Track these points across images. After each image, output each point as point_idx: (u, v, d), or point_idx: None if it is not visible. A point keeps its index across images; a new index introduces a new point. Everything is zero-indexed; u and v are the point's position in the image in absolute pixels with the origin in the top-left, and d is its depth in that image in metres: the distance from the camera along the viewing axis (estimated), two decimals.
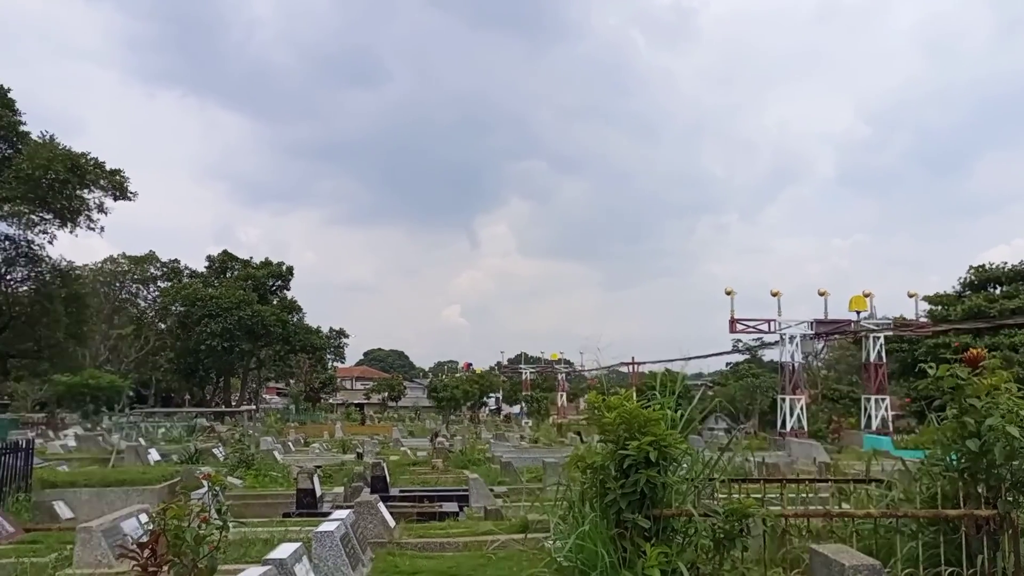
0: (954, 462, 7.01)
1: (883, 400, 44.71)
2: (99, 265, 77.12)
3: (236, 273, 77.63)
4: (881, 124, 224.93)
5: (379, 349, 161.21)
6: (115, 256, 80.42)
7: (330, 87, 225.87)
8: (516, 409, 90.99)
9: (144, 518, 10.99)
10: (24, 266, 51.47)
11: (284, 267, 79.04)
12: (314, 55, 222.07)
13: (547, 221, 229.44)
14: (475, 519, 14.53)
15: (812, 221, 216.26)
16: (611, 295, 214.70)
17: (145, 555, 6.81)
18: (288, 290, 79.81)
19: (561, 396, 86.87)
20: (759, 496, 7.54)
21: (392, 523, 12.38)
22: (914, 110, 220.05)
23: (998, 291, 54.51)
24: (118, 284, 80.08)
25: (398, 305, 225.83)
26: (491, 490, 17.85)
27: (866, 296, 45.80)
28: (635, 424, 6.53)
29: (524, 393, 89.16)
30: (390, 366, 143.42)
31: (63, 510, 15.67)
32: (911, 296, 47.67)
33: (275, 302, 76.11)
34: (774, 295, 46.60)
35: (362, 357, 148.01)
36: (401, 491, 19.18)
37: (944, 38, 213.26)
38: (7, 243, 50.41)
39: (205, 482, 8.96)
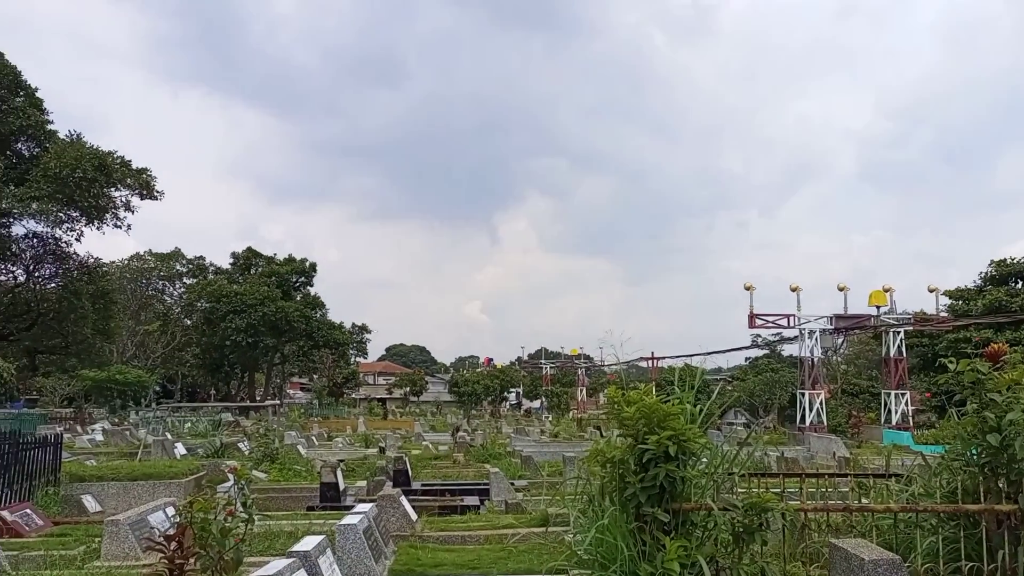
0: (975, 457, 6.94)
1: (903, 395, 44.35)
2: (126, 262, 77.78)
3: (260, 270, 78.00)
4: (902, 119, 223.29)
5: (401, 344, 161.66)
6: (141, 253, 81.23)
7: (352, 85, 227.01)
8: (536, 404, 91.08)
9: (171, 511, 11.08)
10: (52, 263, 52.02)
11: (307, 264, 79.35)
12: (336, 53, 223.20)
13: (567, 218, 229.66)
14: (496, 513, 14.55)
15: (832, 217, 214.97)
16: (631, 291, 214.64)
17: (172, 547, 6.86)
18: (311, 286, 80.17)
19: (581, 391, 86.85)
20: (778, 490, 7.50)
21: (414, 516, 12.42)
22: (936, 105, 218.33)
23: (1019, 285, 53.88)
24: (144, 281, 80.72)
25: (420, 301, 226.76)
26: (512, 484, 17.85)
27: (886, 291, 45.42)
28: (654, 419, 6.51)
29: (544, 388, 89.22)
30: (412, 361, 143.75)
31: (91, 503, 15.79)
32: (931, 291, 47.05)
33: (299, 298, 76.37)
34: (793, 291, 46.38)
35: (384, 353, 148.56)
36: (423, 485, 19.21)
37: (966, 32, 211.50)
38: (35, 241, 50.99)
39: (231, 476, 9.04)
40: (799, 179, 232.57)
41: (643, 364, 72.69)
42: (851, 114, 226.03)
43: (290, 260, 78.90)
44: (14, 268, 52.37)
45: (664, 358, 69.89)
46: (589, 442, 25.08)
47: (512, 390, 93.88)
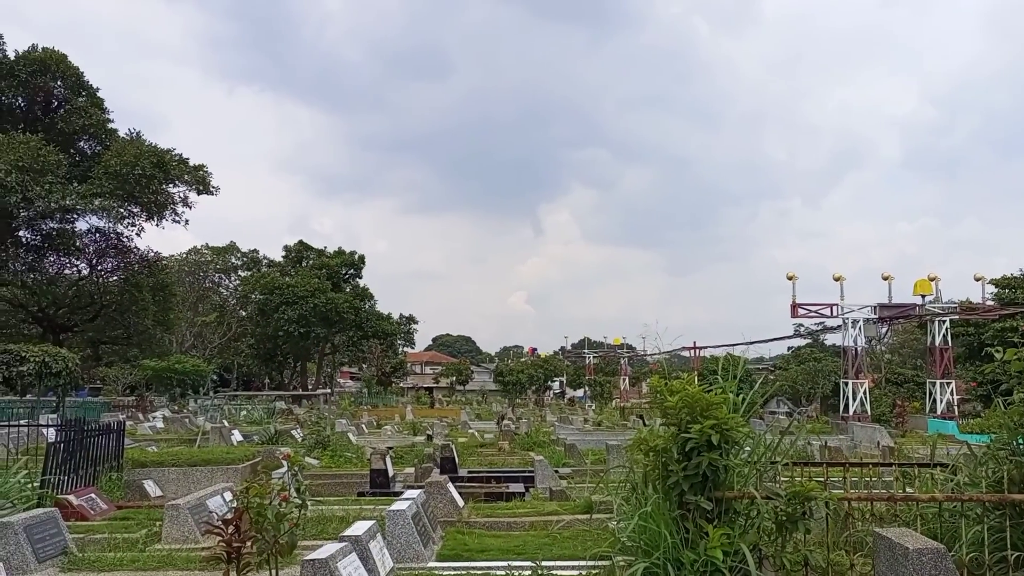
0: (1021, 446, 6.78)
1: (948, 384, 43.33)
2: (184, 256, 79.05)
3: (311, 262, 78.61)
4: (947, 106, 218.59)
5: (447, 335, 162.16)
6: (199, 247, 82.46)
7: (399, 80, 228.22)
8: (580, 393, 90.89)
9: (228, 496, 11.21)
10: (114, 257, 52.84)
11: (356, 256, 79.82)
12: (382, 49, 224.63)
13: (610, 208, 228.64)
14: (541, 500, 14.52)
15: (877, 205, 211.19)
16: (673, 280, 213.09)
17: (229, 531, 6.91)
18: (360, 278, 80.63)
19: (624, 380, 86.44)
20: (822, 480, 7.38)
21: (461, 503, 12.44)
22: (981, 91, 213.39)
23: None
24: (202, 274, 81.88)
25: (465, 292, 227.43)
26: (556, 472, 17.80)
27: (931, 280, 44.26)
28: (697, 408, 6.46)
29: (587, 377, 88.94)
30: (458, 351, 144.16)
31: (152, 488, 16.00)
32: (977, 280, 45.53)
33: (348, 290, 76.88)
34: (836, 280, 45.27)
35: (431, 342, 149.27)
36: (469, 472, 19.21)
37: (1011, 15, 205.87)
38: (98, 236, 51.87)
39: (285, 462, 9.11)
40: (843, 167, 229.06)
41: (686, 353, 71.82)
42: (895, 101, 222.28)
43: (340, 253, 79.44)
44: (78, 262, 53.34)
45: (707, 347, 68.86)
46: (632, 431, 24.96)
47: (556, 379, 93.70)
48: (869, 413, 43.13)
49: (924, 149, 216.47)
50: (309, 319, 68.10)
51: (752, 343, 55.46)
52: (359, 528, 7.69)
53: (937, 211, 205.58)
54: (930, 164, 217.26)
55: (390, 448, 21.36)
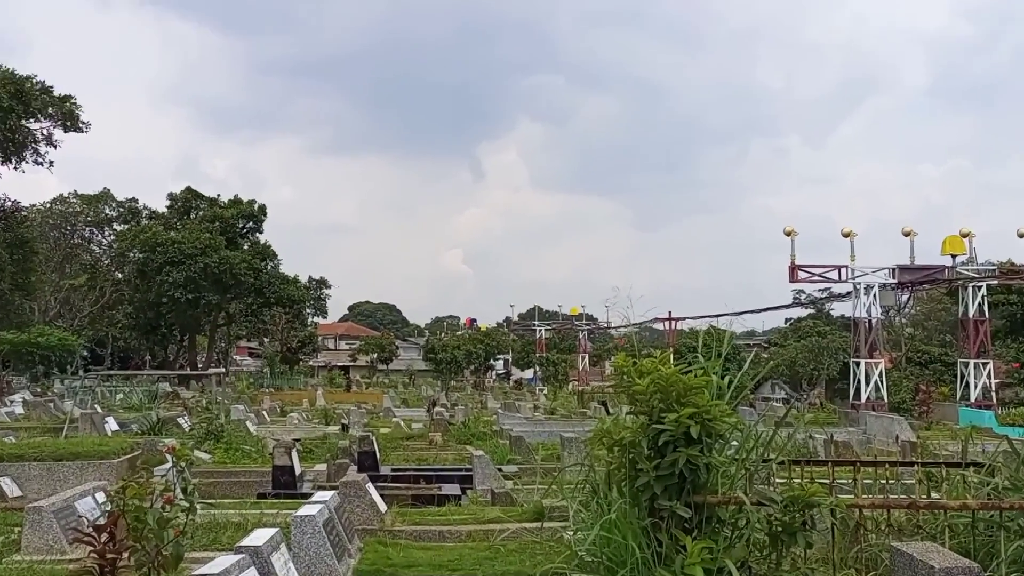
0: None
1: (985, 365, 42.64)
2: (48, 206, 77.63)
3: (201, 213, 77.65)
4: (985, 19, 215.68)
5: (366, 302, 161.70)
6: (66, 195, 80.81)
7: None
8: (529, 374, 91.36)
9: (101, 497, 11.06)
10: None
11: (256, 206, 79.00)
12: None
13: (565, 147, 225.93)
14: (480, 504, 14.57)
15: (895, 143, 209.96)
16: (643, 236, 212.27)
17: (102, 540, 6.83)
18: (261, 233, 79.84)
19: (582, 358, 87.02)
20: (826, 482, 7.35)
21: (383, 507, 12.39)
22: None
23: None
24: (70, 227, 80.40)
25: (389, 250, 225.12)
26: (499, 470, 17.90)
27: (964, 236, 43.32)
28: (673, 393, 6.41)
29: (538, 355, 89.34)
30: (379, 322, 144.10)
31: (10, 487, 15.80)
32: (1021, 236, 43.49)
33: (246, 247, 76.17)
34: (846, 236, 44.15)
35: (347, 312, 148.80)
36: (393, 470, 19.31)
37: None
38: None
39: (169, 456, 8.98)
40: (854, 96, 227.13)
41: (658, 326, 71.95)
42: (921, 14, 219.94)
43: (236, 202, 78.54)
44: None
45: (684, 319, 68.97)
46: (593, 420, 25.08)
47: (499, 357, 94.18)
48: (886, 400, 42.81)
49: (956, 73, 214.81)
50: (199, 282, 67.35)
51: (740, 313, 55.20)
52: (259, 537, 7.58)
53: (971, 149, 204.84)
54: (964, 92, 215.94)
55: (297, 440, 21.27)
